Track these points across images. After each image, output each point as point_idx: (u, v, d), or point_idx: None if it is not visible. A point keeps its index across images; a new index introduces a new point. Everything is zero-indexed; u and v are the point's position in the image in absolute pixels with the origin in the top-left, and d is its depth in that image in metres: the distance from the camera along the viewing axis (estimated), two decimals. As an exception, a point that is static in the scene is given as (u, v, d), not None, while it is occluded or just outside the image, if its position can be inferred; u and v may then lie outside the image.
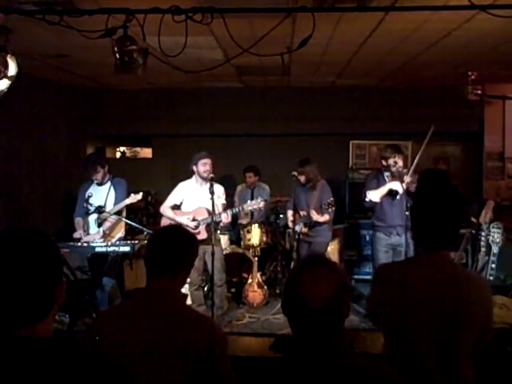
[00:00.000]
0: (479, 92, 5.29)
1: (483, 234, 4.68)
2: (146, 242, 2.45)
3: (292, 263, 5.45)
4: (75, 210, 5.17)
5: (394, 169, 4.77)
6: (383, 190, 4.81)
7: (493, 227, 4.63)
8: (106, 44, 3.24)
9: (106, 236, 4.95)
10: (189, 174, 5.23)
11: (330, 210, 5.09)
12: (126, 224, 5.12)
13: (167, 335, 1.86)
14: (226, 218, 4.97)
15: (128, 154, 9.62)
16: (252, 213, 6.35)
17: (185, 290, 5.43)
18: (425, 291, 1.89)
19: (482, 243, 4.68)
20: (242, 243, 6.12)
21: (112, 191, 5.07)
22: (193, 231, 4.66)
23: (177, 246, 2.07)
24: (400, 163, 4.78)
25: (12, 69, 3.40)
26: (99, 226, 4.99)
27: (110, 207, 5.00)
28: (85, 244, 4.79)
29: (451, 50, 4.92)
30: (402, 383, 1.46)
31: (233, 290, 6.13)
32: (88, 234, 5.01)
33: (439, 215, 1.96)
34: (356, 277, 6.48)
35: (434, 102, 7.16)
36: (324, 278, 1.41)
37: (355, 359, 1.40)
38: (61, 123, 7.11)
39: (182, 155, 7.20)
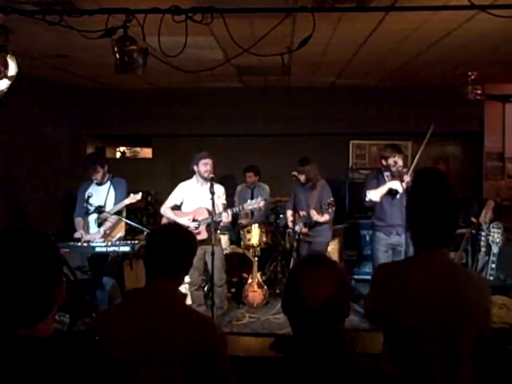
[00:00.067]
0: (479, 92, 5.29)
1: (483, 233, 4.67)
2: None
3: (292, 263, 5.45)
4: (75, 210, 5.17)
5: (393, 168, 4.77)
6: (383, 189, 4.81)
7: (493, 227, 4.62)
8: (106, 44, 3.24)
9: (106, 236, 4.95)
10: (189, 174, 5.23)
11: (330, 210, 5.09)
12: (126, 224, 5.12)
13: (167, 335, 1.86)
14: (226, 217, 4.96)
15: (128, 154, 9.62)
16: (252, 212, 6.35)
17: (185, 289, 5.44)
18: (424, 291, 1.89)
19: (482, 243, 4.68)
20: (241, 243, 6.12)
21: (112, 191, 5.07)
22: (194, 232, 4.66)
23: (176, 245, 2.06)
24: (400, 163, 4.78)
25: (12, 69, 3.40)
26: (99, 225, 4.99)
27: (109, 207, 5.00)
28: (85, 244, 4.79)
29: (451, 50, 4.92)
30: (402, 383, 1.46)
31: (233, 289, 6.13)
32: (88, 233, 5.01)
33: (436, 214, 1.96)
34: (356, 277, 6.48)
35: (433, 102, 7.15)
36: (324, 278, 1.41)
37: (355, 359, 1.40)
38: (61, 123, 7.11)
39: (182, 155, 7.21)
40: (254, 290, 5.79)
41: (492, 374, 3.06)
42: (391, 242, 4.91)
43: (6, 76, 3.38)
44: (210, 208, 4.76)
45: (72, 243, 4.81)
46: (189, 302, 5.21)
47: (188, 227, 4.72)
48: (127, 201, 4.98)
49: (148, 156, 8.86)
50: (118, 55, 3.27)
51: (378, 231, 5.00)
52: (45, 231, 1.27)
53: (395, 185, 4.75)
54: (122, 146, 9.48)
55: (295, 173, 5.29)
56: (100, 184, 5.08)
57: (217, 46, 4.71)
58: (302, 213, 5.33)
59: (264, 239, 6.02)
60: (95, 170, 4.98)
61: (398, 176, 4.75)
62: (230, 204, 5.54)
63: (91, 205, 4.96)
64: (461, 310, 1.87)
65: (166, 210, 5.16)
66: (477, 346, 1.93)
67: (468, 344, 1.90)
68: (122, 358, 1.83)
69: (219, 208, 4.95)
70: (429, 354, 1.87)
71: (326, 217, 5.20)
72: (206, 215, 4.96)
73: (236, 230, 6.56)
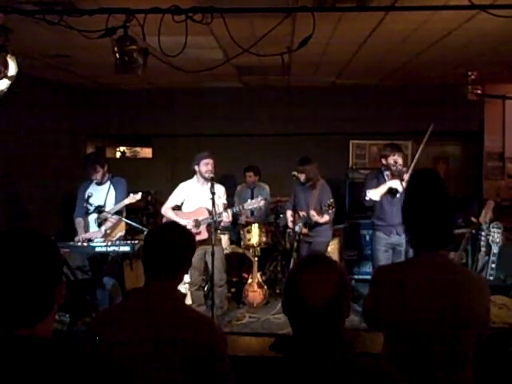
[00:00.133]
0: (479, 92, 5.29)
1: (483, 233, 4.67)
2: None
3: (292, 263, 5.45)
4: (75, 210, 5.17)
5: (393, 167, 4.77)
6: (383, 188, 4.81)
7: (493, 227, 4.62)
8: (106, 44, 3.24)
9: (106, 236, 4.95)
10: (189, 174, 5.23)
11: (330, 211, 5.08)
12: (126, 224, 5.12)
13: (167, 335, 1.86)
14: (226, 217, 4.96)
15: (128, 154, 9.61)
16: (252, 212, 6.35)
17: (185, 289, 5.44)
18: (425, 291, 1.88)
19: (482, 243, 4.68)
20: (241, 243, 6.12)
21: (112, 191, 5.07)
22: (193, 232, 4.66)
23: (174, 244, 2.03)
24: (400, 161, 4.78)
25: (12, 69, 3.40)
26: (99, 225, 4.99)
27: (109, 207, 5.00)
28: (85, 244, 4.79)
29: (451, 50, 4.92)
30: (402, 383, 1.45)
31: (233, 289, 6.13)
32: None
33: (434, 214, 1.96)
34: (356, 277, 6.48)
35: (433, 102, 7.16)
36: (324, 277, 1.41)
37: (355, 359, 1.40)
38: (61, 123, 7.11)
39: (182, 155, 7.22)
40: (254, 290, 5.79)
41: (493, 376, 3.06)
42: (391, 242, 4.91)
43: (6, 76, 3.38)
44: (211, 208, 4.76)
45: (72, 243, 4.81)
46: (189, 301, 5.21)
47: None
48: (127, 200, 4.97)
49: (148, 156, 8.86)
50: (118, 55, 3.27)
51: (378, 231, 4.99)
52: (45, 231, 1.27)
53: (395, 184, 4.75)
54: (122, 145, 9.48)
55: (295, 172, 5.28)
56: (100, 184, 5.08)
57: (217, 45, 4.71)
58: (301, 213, 5.33)
59: (264, 239, 6.02)
60: (95, 169, 4.98)
61: (398, 175, 4.75)
62: (230, 204, 5.54)
63: (91, 205, 4.96)
64: (461, 310, 1.87)
65: (166, 210, 5.15)
66: (476, 345, 1.93)
67: (468, 344, 1.90)
68: (121, 357, 1.83)
69: (219, 208, 4.95)
70: (429, 354, 1.87)
71: (326, 217, 5.19)
72: (207, 215, 4.95)
73: (236, 229, 6.56)
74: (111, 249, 4.67)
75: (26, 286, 1.15)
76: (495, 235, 4.58)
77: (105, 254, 4.73)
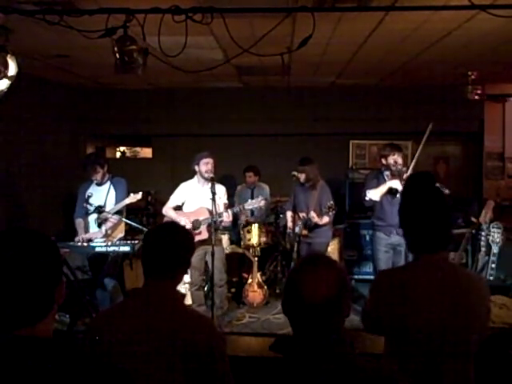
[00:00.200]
0: (479, 92, 5.29)
1: (483, 233, 4.67)
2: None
3: (292, 263, 5.45)
4: (75, 210, 5.17)
5: (393, 167, 4.76)
6: (383, 188, 4.80)
7: (493, 227, 4.62)
8: (106, 44, 3.24)
9: (107, 236, 4.95)
10: (189, 174, 5.23)
11: (330, 213, 5.08)
12: (126, 224, 5.12)
13: (167, 335, 1.86)
14: (227, 217, 4.96)
15: (128, 154, 9.61)
16: (252, 212, 6.35)
17: (185, 289, 5.44)
18: (425, 293, 1.89)
19: (482, 243, 4.68)
20: (242, 243, 6.12)
21: (112, 191, 5.07)
22: (193, 232, 4.67)
23: (173, 244, 2.03)
24: (400, 161, 4.77)
25: (12, 69, 3.40)
26: (99, 225, 4.99)
27: (109, 207, 5.00)
28: (85, 244, 4.79)
29: (451, 50, 4.92)
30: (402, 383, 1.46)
31: (233, 289, 6.13)
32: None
33: (432, 216, 1.96)
34: (356, 277, 6.48)
35: (433, 102, 7.16)
36: (324, 277, 1.41)
37: (355, 359, 1.40)
38: (61, 123, 7.11)
39: (182, 155, 7.21)
40: (254, 290, 5.79)
41: (493, 379, 3.05)
42: (391, 242, 4.90)
43: (6, 76, 3.39)
44: (211, 208, 4.76)
45: (72, 243, 4.80)
46: (189, 301, 5.21)
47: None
48: (127, 200, 4.97)
49: (148, 156, 8.86)
50: (118, 55, 3.27)
51: (378, 231, 4.99)
52: (45, 231, 1.27)
53: (395, 184, 4.74)
54: (122, 145, 9.48)
55: (295, 172, 5.29)
56: (100, 184, 5.07)
57: (217, 46, 4.71)
58: (301, 214, 5.33)
59: (264, 239, 6.02)
60: (95, 170, 4.98)
61: (397, 175, 4.74)
62: (230, 204, 5.53)
63: (91, 205, 4.96)
64: (462, 310, 1.87)
65: (167, 210, 5.15)
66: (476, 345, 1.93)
67: (469, 344, 1.90)
68: (121, 357, 1.83)
69: (220, 208, 4.95)
70: (430, 355, 1.87)
71: (326, 219, 5.18)
72: (207, 215, 4.95)
73: (236, 229, 6.56)
74: (111, 249, 4.67)
75: (25, 286, 1.15)
76: (495, 235, 4.58)
77: (105, 254, 4.73)
